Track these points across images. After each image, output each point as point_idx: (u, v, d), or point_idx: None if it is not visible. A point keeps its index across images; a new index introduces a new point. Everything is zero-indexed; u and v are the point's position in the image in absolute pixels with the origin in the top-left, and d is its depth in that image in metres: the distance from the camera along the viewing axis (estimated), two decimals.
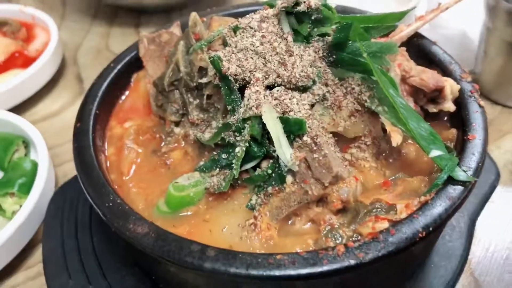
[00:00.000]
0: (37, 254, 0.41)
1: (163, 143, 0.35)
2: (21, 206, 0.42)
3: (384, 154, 0.32)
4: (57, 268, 0.36)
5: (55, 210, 0.40)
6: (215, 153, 0.32)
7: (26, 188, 0.43)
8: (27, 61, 0.61)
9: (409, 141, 0.33)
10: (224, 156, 0.32)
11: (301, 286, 0.27)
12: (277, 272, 0.25)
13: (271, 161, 0.30)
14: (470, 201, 0.39)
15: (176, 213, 0.31)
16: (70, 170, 0.47)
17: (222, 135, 0.31)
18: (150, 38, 0.40)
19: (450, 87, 0.33)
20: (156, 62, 0.39)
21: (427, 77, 0.33)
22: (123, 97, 0.39)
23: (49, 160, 0.45)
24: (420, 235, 0.26)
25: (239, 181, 0.31)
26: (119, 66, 0.39)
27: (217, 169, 0.32)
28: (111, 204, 0.29)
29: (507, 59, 0.49)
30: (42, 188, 0.42)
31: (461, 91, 0.34)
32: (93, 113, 0.35)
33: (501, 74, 0.50)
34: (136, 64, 0.40)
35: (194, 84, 0.34)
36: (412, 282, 0.33)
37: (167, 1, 0.66)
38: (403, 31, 0.37)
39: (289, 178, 0.29)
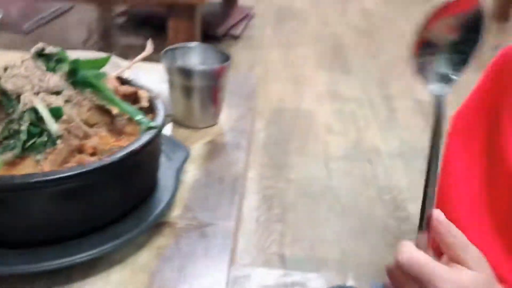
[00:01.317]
0: None
1: None
2: None
3: (115, 130, 0.56)
4: None
5: None
6: (6, 142, 0.50)
7: None
8: None
9: (132, 122, 0.57)
10: (12, 141, 0.49)
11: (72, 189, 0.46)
12: (32, 179, 0.44)
13: (46, 133, 0.49)
14: (174, 167, 0.65)
15: None
16: None
17: (9, 128, 0.49)
18: None
19: (142, 94, 0.60)
20: None
21: (126, 89, 0.59)
22: None
23: None
24: (132, 152, 0.49)
25: (27, 151, 0.49)
26: None
27: (9, 151, 0.49)
28: None
29: (184, 97, 0.79)
30: None
31: (150, 97, 0.61)
32: None
33: (184, 107, 0.81)
34: None
35: None
36: (144, 204, 0.56)
37: None
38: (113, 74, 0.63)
39: (59, 141, 0.49)
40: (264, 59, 2.65)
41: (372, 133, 1.84)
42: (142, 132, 0.53)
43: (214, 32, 2.61)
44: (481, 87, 0.64)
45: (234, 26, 2.80)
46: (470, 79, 0.58)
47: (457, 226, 0.62)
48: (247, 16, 3.05)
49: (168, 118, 0.84)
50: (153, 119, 0.56)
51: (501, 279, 0.56)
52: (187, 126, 0.82)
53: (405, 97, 2.23)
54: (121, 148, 0.49)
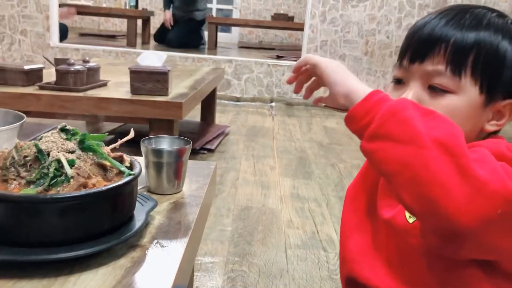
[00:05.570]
0: None
1: (9, 187, 0.78)
2: None
3: (107, 179, 0.84)
4: None
5: None
6: (38, 180, 0.78)
7: None
8: None
9: (117, 175, 0.86)
10: (42, 181, 0.78)
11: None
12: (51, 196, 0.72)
13: (64, 175, 0.78)
14: (145, 210, 0.92)
15: None
16: None
17: (41, 172, 0.78)
18: None
19: (126, 158, 0.89)
20: None
21: (115, 154, 0.89)
22: None
23: None
24: (116, 186, 0.78)
25: (51, 186, 0.77)
26: None
27: (40, 186, 0.77)
28: None
29: (155, 172, 1.09)
30: None
31: (131, 160, 0.91)
32: None
33: (156, 179, 1.10)
34: None
35: (22, 162, 0.80)
36: (124, 227, 0.82)
37: None
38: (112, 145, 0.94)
39: (71, 180, 0.78)
40: (235, 168, 3.00)
41: (328, 227, 2.13)
42: (124, 177, 0.82)
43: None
44: (365, 166, 0.97)
45: (210, 141, 3.19)
46: None
47: (352, 261, 0.90)
48: (223, 133, 3.46)
49: (144, 188, 1.13)
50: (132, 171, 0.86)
51: None
52: (157, 194, 1.10)
53: None
54: (110, 183, 0.79)
